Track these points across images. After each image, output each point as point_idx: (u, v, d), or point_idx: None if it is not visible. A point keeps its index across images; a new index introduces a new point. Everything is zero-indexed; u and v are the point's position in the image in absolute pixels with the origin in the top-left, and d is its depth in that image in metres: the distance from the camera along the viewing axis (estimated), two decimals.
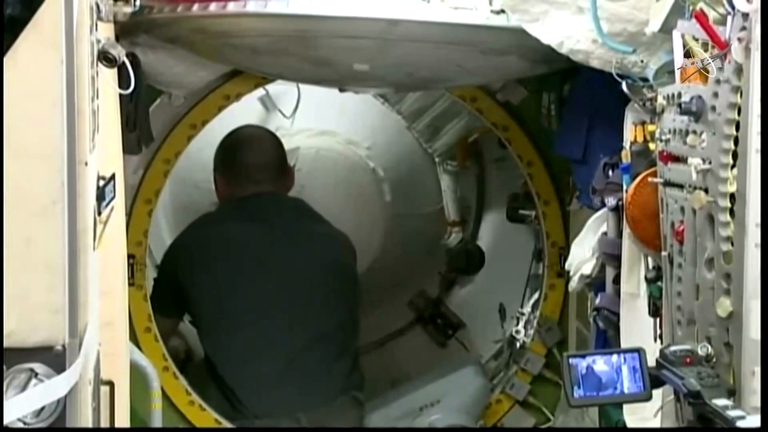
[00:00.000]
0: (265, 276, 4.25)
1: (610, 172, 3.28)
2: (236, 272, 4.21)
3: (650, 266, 3.06)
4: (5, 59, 2.00)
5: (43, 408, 2.01)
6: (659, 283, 2.97)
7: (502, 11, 3.24)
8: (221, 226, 4.35)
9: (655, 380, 2.46)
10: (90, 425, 2.17)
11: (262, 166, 4.43)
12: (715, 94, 2.45)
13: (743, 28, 2.30)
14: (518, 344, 4.63)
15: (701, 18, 2.48)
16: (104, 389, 2.49)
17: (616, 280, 3.27)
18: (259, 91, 4.82)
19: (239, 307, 4.19)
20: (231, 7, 3.36)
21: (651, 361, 2.48)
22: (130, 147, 3.55)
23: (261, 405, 4.16)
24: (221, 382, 4.22)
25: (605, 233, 3.32)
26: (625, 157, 3.13)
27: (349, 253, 4.50)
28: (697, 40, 2.61)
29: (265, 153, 4.49)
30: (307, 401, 4.17)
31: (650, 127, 3.00)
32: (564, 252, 4.31)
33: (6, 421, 1.87)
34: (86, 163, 2.10)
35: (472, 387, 4.54)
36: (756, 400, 2.27)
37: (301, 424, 4.14)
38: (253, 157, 4.43)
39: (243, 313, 4.20)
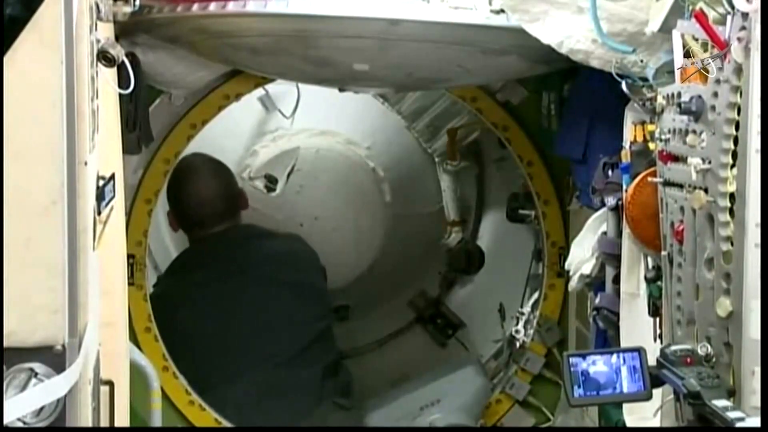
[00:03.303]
0: (238, 309, 4.48)
1: (610, 172, 3.28)
2: (211, 309, 4.45)
3: (650, 266, 3.06)
4: (5, 59, 2.00)
5: (42, 408, 2.01)
6: (659, 283, 2.97)
7: (502, 11, 3.24)
8: (190, 274, 4.58)
9: (655, 380, 2.46)
10: (90, 425, 2.17)
11: (210, 213, 4.61)
12: (715, 94, 2.45)
13: (743, 28, 2.30)
14: (518, 344, 4.62)
15: (701, 18, 2.48)
16: (104, 389, 2.49)
17: (616, 280, 3.27)
18: (259, 91, 4.82)
19: (218, 340, 4.43)
20: (231, 7, 3.36)
21: (651, 361, 2.48)
22: (130, 147, 3.56)
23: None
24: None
25: (605, 233, 3.31)
26: (625, 156, 3.13)
27: (310, 269, 4.68)
28: (696, 40, 2.61)
29: (211, 199, 4.63)
30: (282, 417, 4.30)
31: (650, 127, 3.00)
32: (564, 252, 4.30)
33: (6, 420, 1.88)
34: (86, 163, 2.11)
35: (472, 387, 4.54)
36: (756, 400, 2.27)
37: None
38: (201, 208, 4.61)
39: (221, 345, 4.43)
